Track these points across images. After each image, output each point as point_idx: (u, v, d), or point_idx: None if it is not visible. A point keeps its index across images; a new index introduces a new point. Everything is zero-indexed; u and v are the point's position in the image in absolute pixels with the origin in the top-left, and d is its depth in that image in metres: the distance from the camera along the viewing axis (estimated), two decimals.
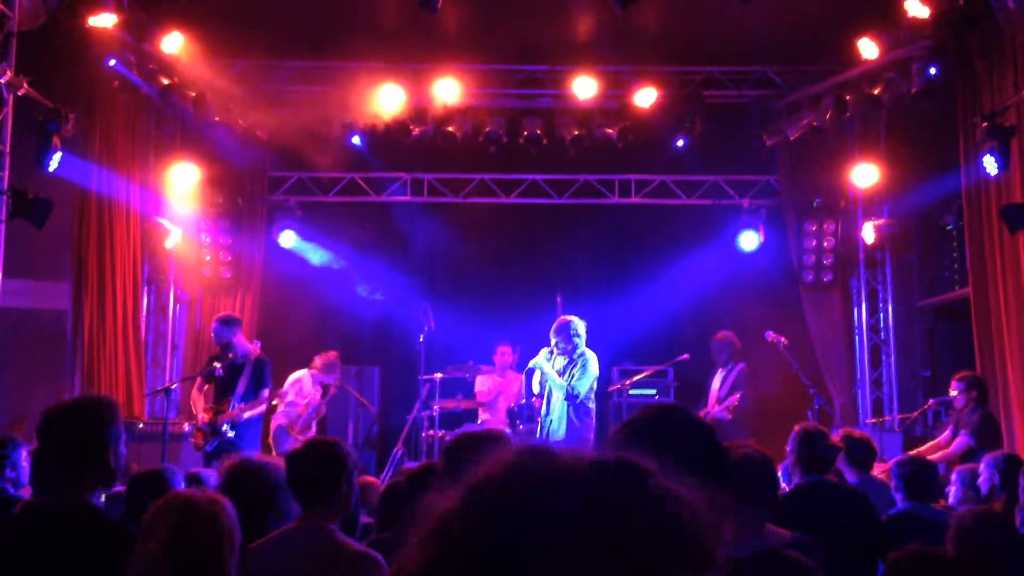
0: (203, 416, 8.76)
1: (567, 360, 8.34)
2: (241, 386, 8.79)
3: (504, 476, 0.99)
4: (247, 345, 9.05)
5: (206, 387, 9.01)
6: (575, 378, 8.23)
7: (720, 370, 10.21)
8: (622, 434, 1.87)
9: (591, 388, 8.33)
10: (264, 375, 8.99)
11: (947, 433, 8.15)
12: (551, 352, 8.44)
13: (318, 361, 9.71)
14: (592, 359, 8.34)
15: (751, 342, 10.43)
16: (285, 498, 3.55)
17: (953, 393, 8.11)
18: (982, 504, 5.56)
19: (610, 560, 0.91)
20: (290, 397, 9.40)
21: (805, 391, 9.83)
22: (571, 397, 8.20)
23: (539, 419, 8.60)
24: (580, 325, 8.39)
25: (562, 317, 8.54)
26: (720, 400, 9.96)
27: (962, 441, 7.67)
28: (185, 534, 2.59)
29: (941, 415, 9.76)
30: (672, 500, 0.97)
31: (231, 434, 8.68)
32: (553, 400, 8.38)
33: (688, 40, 10.59)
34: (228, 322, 9.11)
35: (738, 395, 9.84)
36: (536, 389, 8.61)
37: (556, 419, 8.29)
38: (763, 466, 3.17)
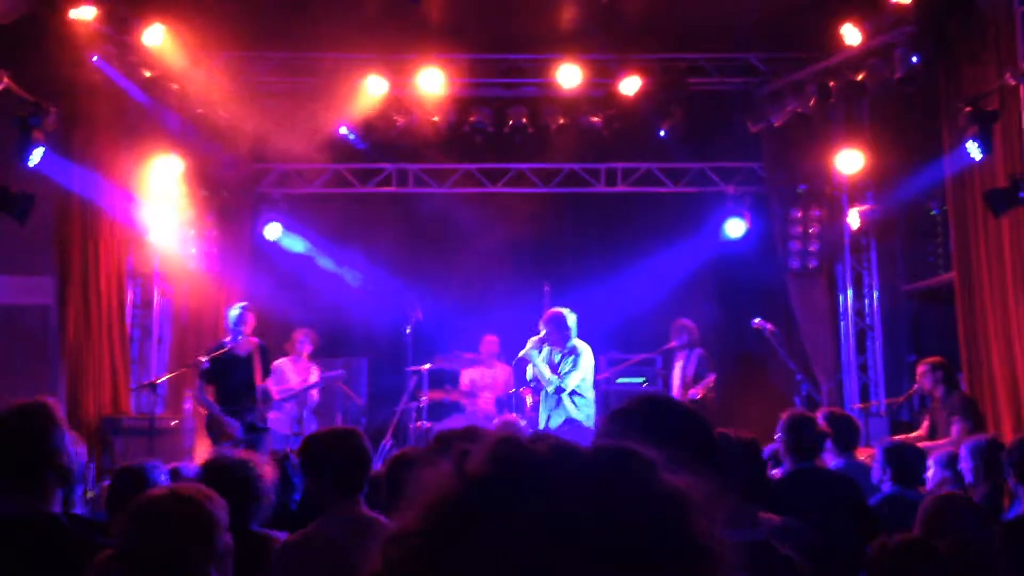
0: (231, 424, 8.57)
1: (560, 354, 8.33)
2: (258, 377, 8.79)
3: (490, 486, 0.89)
4: (248, 335, 9.00)
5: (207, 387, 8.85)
6: (566, 370, 8.21)
7: (679, 357, 10.21)
8: (614, 422, 1.87)
9: (584, 380, 8.31)
10: (269, 362, 9.09)
11: (925, 423, 8.17)
12: (540, 342, 8.41)
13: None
14: (585, 352, 8.32)
15: (738, 329, 10.45)
16: (264, 488, 3.61)
17: (919, 377, 8.14)
18: (963, 490, 5.55)
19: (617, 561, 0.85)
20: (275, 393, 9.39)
21: (792, 377, 9.87)
22: (560, 390, 8.19)
23: (527, 409, 8.57)
24: (571, 317, 8.38)
25: (552, 309, 8.52)
26: (687, 386, 9.98)
27: (959, 427, 7.63)
28: (143, 536, 2.48)
29: (927, 400, 9.81)
30: (671, 494, 0.91)
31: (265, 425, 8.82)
32: (546, 390, 8.37)
33: (672, 28, 10.57)
34: (249, 310, 9.03)
35: (712, 376, 9.91)
36: (530, 379, 8.59)
37: (551, 409, 8.28)
38: (748, 449, 3.18)
